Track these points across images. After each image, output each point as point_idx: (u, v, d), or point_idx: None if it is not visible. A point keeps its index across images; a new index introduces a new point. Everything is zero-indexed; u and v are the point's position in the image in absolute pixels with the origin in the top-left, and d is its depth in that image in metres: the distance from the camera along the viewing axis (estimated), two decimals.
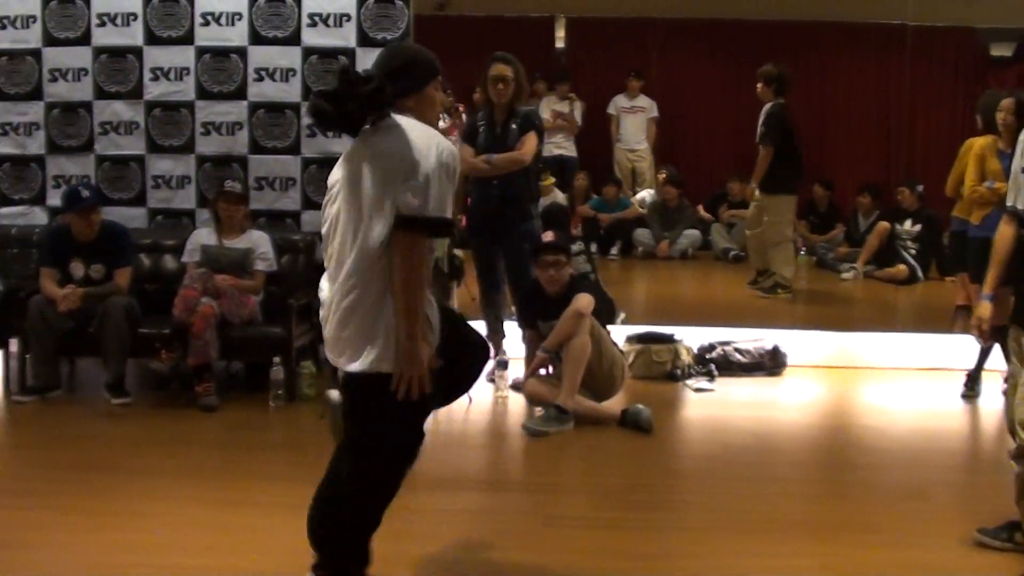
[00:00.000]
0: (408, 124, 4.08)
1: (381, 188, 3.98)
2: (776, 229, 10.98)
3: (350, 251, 4.06)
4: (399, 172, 3.96)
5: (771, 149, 10.62)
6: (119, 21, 8.63)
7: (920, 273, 12.32)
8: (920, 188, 12.65)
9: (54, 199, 8.60)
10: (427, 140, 4.03)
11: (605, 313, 7.71)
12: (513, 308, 8.32)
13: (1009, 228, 5.25)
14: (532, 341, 7.74)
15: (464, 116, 12.02)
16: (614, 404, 7.45)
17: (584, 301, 7.26)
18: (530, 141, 7.91)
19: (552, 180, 10.00)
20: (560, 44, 15.91)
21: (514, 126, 7.92)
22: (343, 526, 4.38)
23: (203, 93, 8.68)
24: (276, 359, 7.66)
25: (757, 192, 11.00)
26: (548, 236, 7.71)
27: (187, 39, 8.65)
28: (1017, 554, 5.09)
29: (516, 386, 7.94)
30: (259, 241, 8.07)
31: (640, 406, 7.24)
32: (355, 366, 4.15)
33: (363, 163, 4.06)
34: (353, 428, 4.37)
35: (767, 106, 10.80)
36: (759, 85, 10.85)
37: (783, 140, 10.65)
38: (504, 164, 7.89)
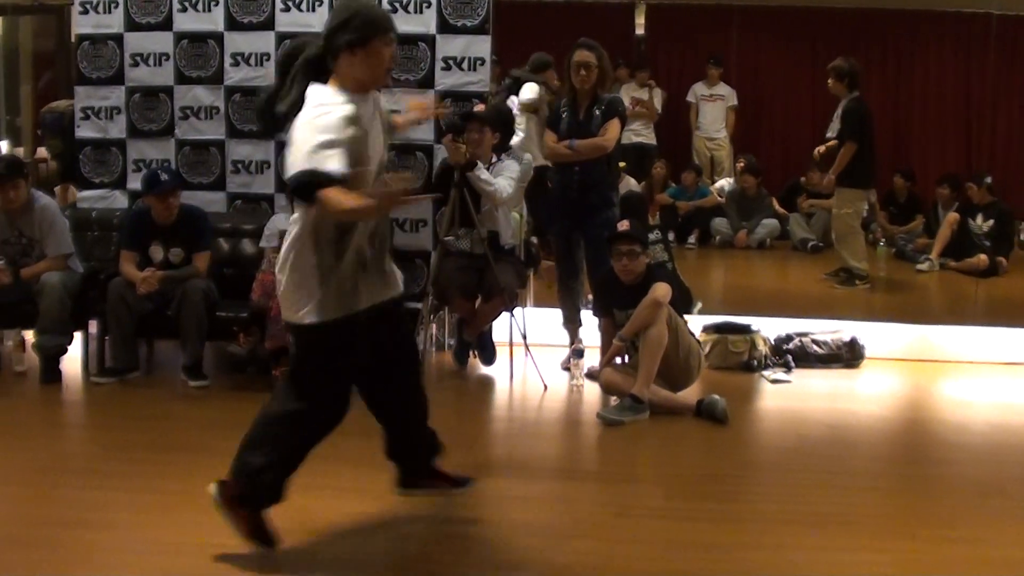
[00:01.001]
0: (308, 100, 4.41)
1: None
2: (843, 221, 10.92)
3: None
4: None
5: (853, 146, 10.52)
6: (200, 7, 8.69)
7: (999, 266, 12.15)
8: (988, 180, 12.45)
9: (134, 183, 8.67)
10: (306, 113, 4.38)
11: (682, 302, 7.69)
12: (590, 296, 8.30)
13: None
14: (607, 330, 7.70)
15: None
16: (690, 394, 7.40)
17: (662, 290, 7.21)
18: (613, 128, 7.88)
19: (622, 165, 9.94)
20: (640, 31, 15.83)
21: (597, 113, 7.89)
22: (259, 450, 4.79)
23: None
24: None
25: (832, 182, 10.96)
26: (623, 225, 7.67)
27: (268, 24, 8.68)
28: None
29: (591, 375, 7.91)
30: None
31: (716, 397, 7.19)
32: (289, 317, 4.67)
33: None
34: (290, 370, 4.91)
35: (844, 102, 10.72)
36: (830, 81, 10.78)
37: (861, 135, 10.57)
38: (587, 150, 7.85)
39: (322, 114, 4.29)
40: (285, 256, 4.56)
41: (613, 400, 7.36)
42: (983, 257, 11.95)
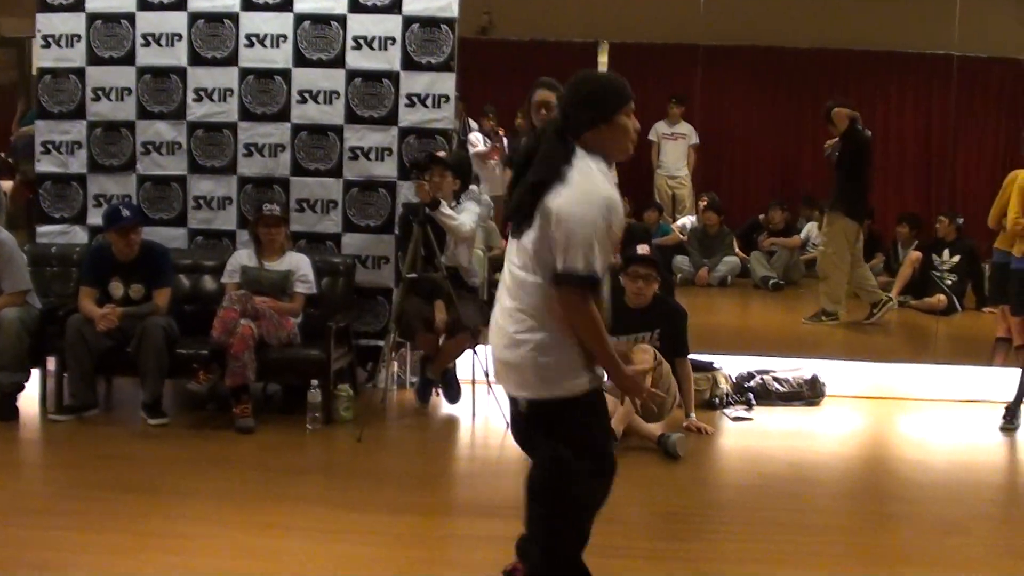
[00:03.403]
0: (576, 182, 4.06)
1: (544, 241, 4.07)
2: (828, 260, 11.02)
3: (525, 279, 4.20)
4: (560, 232, 4.00)
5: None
6: (163, 41, 8.68)
7: (958, 304, 12.24)
8: (960, 220, 12.57)
9: (95, 218, 8.64)
10: (587, 199, 4.04)
11: None
12: None
13: None
14: None
15: (505, 140, 12.03)
16: (655, 429, 7.43)
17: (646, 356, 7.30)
18: None
19: None
20: (603, 68, 15.88)
21: None
22: (557, 545, 4.55)
23: (246, 114, 8.72)
24: (314, 382, 7.64)
25: (826, 216, 11.09)
26: (644, 249, 7.78)
27: (231, 60, 8.69)
28: None
29: None
30: (299, 263, 8.08)
31: (674, 434, 7.23)
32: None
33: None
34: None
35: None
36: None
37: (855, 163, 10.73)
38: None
39: (601, 197, 4.07)
40: (522, 332, 4.20)
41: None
42: (941, 298, 12.03)
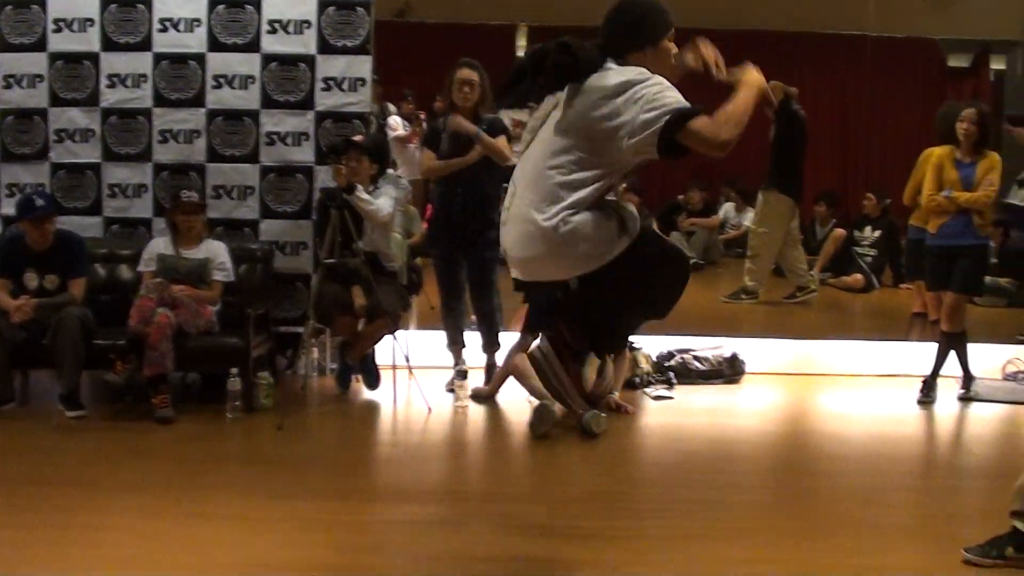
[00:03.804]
0: (621, 69, 4.15)
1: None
2: (759, 239, 11.13)
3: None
4: (633, 94, 4.02)
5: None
6: (75, 26, 8.55)
7: (875, 282, 12.40)
8: (888, 201, 12.72)
9: (8, 208, 8.50)
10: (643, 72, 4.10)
11: None
12: (474, 318, 8.31)
13: None
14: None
15: (424, 123, 12.01)
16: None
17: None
18: (504, 144, 7.88)
19: None
20: (520, 52, 15.88)
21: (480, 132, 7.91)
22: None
23: (160, 100, 8.61)
24: (233, 370, 7.58)
25: (760, 194, 11.17)
26: None
27: (145, 45, 8.58)
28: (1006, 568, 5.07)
29: (476, 396, 7.95)
30: (216, 251, 8.01)
31: (588, 412, 7.26)
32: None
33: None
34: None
35: None
36: None
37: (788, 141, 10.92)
38: (491, 146, 7.85)
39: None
40: (562, 220, 4.20)
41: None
42: (859, 277, 12.22)
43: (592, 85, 4.10)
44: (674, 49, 4.34)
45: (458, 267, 8.13)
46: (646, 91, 3.99)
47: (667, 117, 3.93)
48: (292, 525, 5.39)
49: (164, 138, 8.64)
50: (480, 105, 7.92)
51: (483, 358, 8.28)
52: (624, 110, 4.00)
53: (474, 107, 7.90)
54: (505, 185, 9.02)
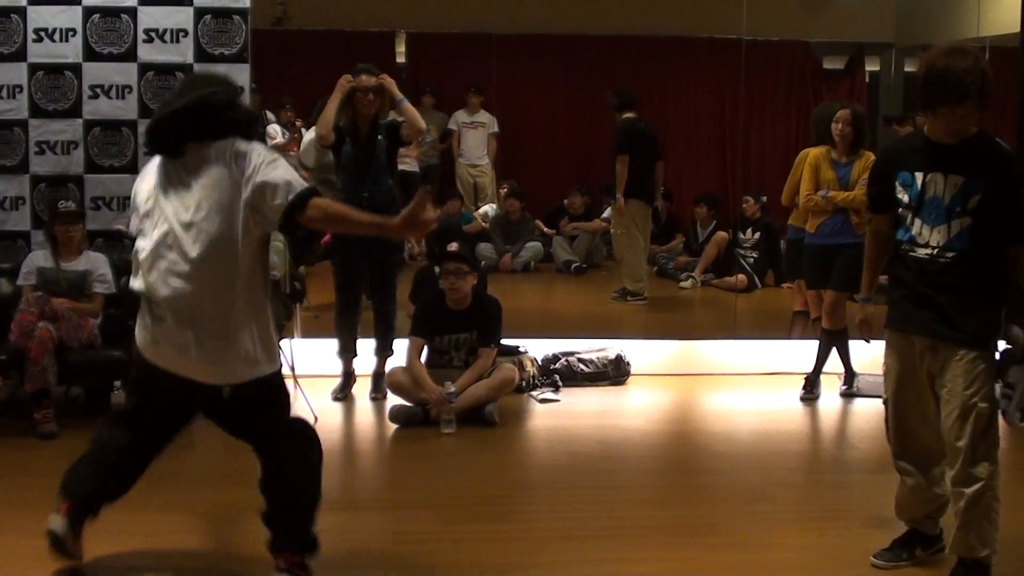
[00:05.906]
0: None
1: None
2: (621, 241, 11.23)
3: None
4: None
5: (623, 159, 10.94)
6: None
7: (758, 281, 12.55)
8: (764, 199, 12.87)
9: None
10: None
11: None
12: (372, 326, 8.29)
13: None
14: (418, 349, 7.81)
15: (303, 131, 11.90)
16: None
17: (513, 373, 7.85)
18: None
19: (429, 188, 10.11)
20: (401, 59, 15.84)
21: (380, 137, 7.89)
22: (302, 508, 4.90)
23: (37, 111, 8.43)
24: (117, 383, 7.47)
25: (622, 201, 11.25)
26: (453, 246, 8.04)
27: (20, 55, 8.39)
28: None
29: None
30: (97, 263, 7.88)
31: (489, 404, 7.48)
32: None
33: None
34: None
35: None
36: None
37: (630, 150, 10.97)
38: (411, 114, 7.97)
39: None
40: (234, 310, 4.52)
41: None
42: (742, 277, 12.34)
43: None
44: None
45: (358, 273, 8.12)
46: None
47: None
48: (182, 539, 5.31)
49: (41, 149, 8.45)
50: (380, 111, 7.95)
51: (372, 365, 8.23)
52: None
53: (375, 114, 7.94)
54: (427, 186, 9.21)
